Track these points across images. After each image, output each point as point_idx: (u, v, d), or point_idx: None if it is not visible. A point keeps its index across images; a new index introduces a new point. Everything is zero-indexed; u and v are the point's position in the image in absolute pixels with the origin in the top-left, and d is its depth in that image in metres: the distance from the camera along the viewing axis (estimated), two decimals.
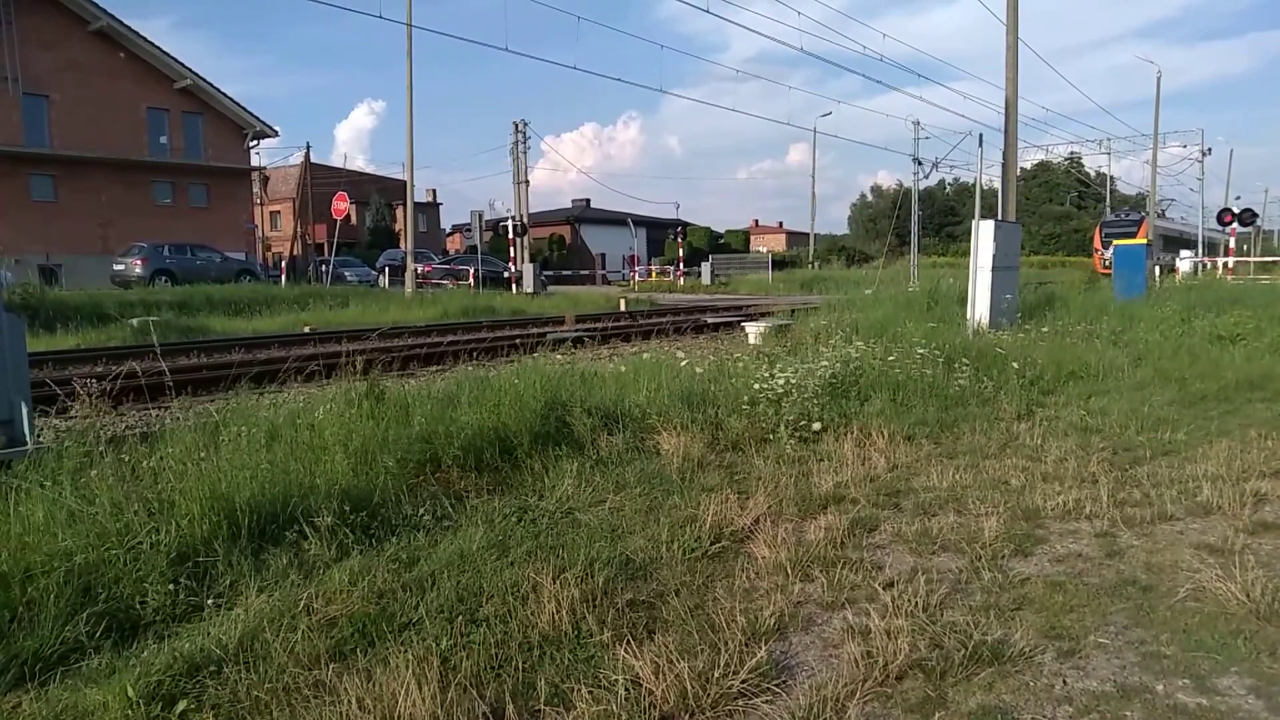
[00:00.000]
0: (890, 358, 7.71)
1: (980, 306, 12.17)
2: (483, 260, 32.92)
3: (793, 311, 15.61)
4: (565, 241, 56.26)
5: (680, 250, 43.73)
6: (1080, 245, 74.30)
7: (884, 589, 3.31)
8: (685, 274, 42.45)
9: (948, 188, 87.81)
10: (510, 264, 33.87)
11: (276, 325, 17.49)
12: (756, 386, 6.35)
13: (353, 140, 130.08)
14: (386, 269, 37.35)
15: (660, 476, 4.87)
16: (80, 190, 31.18)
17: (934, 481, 4.86)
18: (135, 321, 15.95)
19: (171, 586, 3.14)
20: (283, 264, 34.28)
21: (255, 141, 37.30)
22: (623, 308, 22.39)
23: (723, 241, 61.66)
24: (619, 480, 4.75)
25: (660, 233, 57.52)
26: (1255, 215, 36.02)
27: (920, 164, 31.33)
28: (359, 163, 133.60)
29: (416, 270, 28.84)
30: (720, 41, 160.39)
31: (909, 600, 3.14)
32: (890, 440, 5.64)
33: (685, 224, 45.66)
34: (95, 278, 27.11)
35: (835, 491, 4.64)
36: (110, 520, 3.37)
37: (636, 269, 47.14)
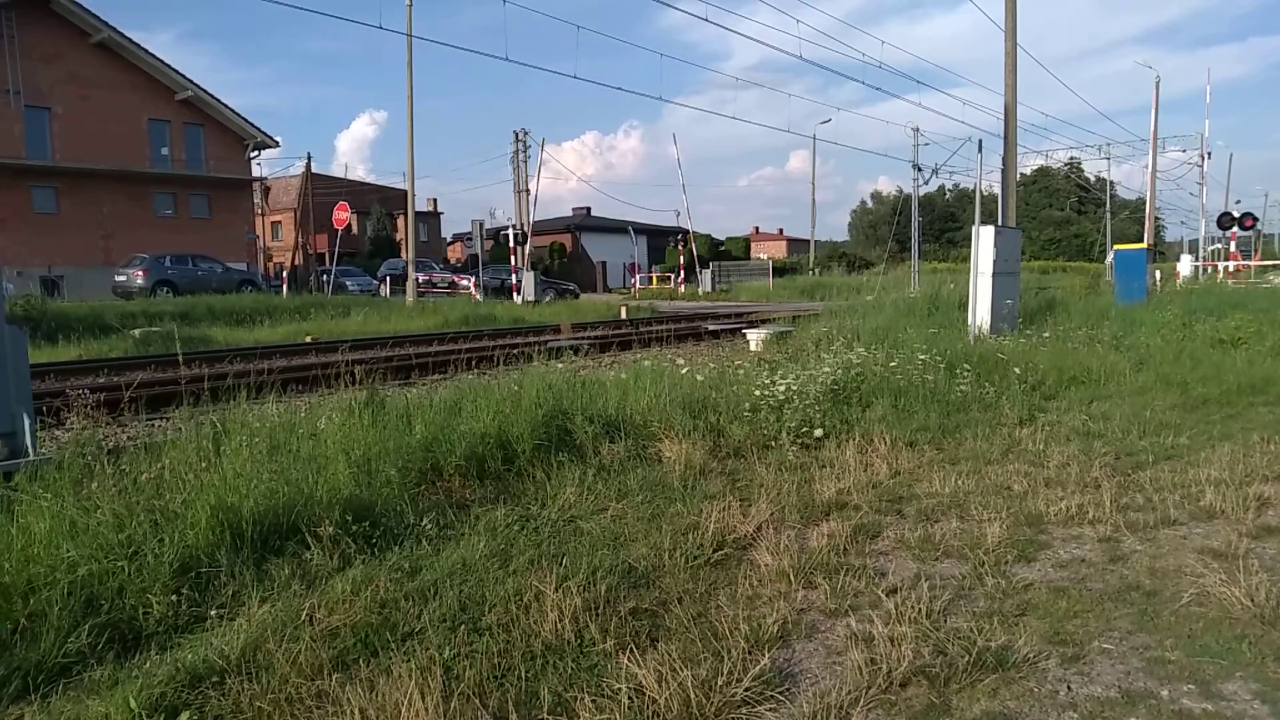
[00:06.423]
0: (892, 364, 7.71)
1: (981, 312, 12.18)
2: (487, 269, 32.96)
3: (794, 318, 15.62)
4: (566, 249, 56.30)
5: (681, 258, 43.77)
6: (1080, 250, 74.40)
7: (887, 595, 3.31)
8: (686, 281, 42.47)
9: (948, 194, 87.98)
10: (513, 272, 33.94)
11: (278, 335, 17.50)
12: (758, 393, 6.36)
13: (354, 150, 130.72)
14: (388, 278, 37.45)
15: (662, 484, 4.86)
16: (82, 202, 31.28)
17: (936, 487, 4.86)
18: (137, 332, 15.97)
19: (174, 597, 3.14)
20: (284, 274, 34.35)
21: (256, 152, 37.42)
22: (624, 315, 22.37)
23: (723, 249, 61.63)
24: (621, 488, 4.74)
25: (661, 240, 57.52)
26: (1255, 219, 36.05)
27: (920, 170, 31.41)
28: (360, 173, 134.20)
29: (418, 279, 28.89)
30: (723, 50, 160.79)
31: (912, 607, 3.13)
32: (892, 446, 5.64)
33: (686, 231, 45.57)
34: (97, 289, 27.17)
35: (838, 498, 4.63)
36: (113, 531, 3.37)
37: (637, 277, 47.17)
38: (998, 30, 16.04)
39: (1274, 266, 32.24)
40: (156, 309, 19.84)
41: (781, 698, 2.60)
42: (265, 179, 43.56)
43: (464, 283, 35.21)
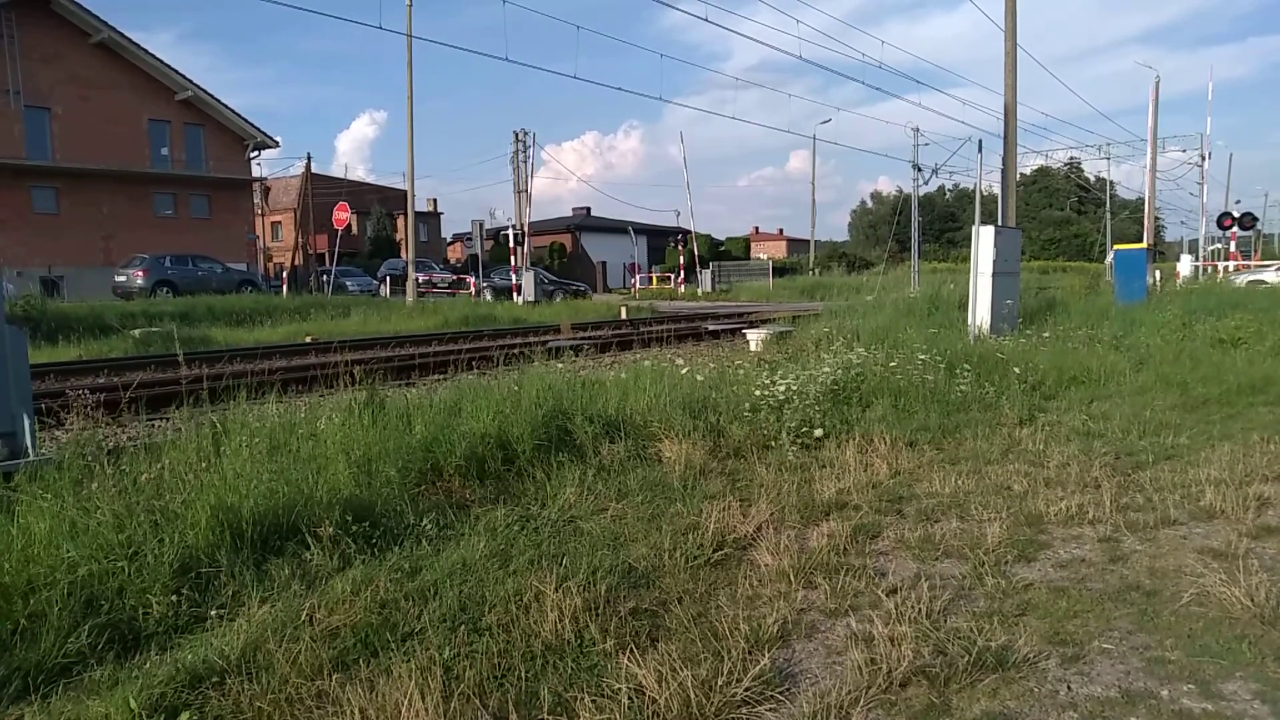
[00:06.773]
0: (892, 364, 7.71)
1: (981, 312, 12.18)
2: (492, 270, 32.89)
3: (794, 318, 15.62)
4: (566, 250, 56.31)
5: (681, 258, 43.79)
6: (1080, 250, 74.45)
7: (887, 595, 3.31)
8: (686, 281, 42.47)
9: (948, 194, 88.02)
10: (513, 272, 33.95)
11: (278, 335, 17.50)
12: (758, 393, 6.35)
13: (354, 150, 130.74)
14: (388, 279, 37.46)
15: (662, 484, 4.86)
16: (82, 202, 31.27)
17: (936, 487, 4.86)
18: (137, 333, 15.97)
19: (174, 598, 3.14)
20: (284, 274, 34.35)
21: (256, 152, 37.40)
22: (624, 315, 22.36)
23: (723, 249, 61.61)
24: (621, 488, 4.74)
25: (661, 240, 57.53)
26: (1255, 219, 36.06)
27: (920, 170, 31.37)
28: (360, 173, 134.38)
29: (418, 280, 28.87)
30: (723, 50, 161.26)
31: (912, 607, 3.13)
32: (892, 446, 5.64)
33: (687, 231, 45.56)
34: (97, 289, 27.16)
35: (838, 498, 4.63)
36: (113, 532, 3.37)
37: (637, 277, 47.16)
38: (998, 30, 16.06)
39: (1260, 266, 32.15)
40: (156, 309, 19.84)
41: (781, 698, 2.61)
42: (265, 179, 43.54)
43: (470, 283, 35.25)
